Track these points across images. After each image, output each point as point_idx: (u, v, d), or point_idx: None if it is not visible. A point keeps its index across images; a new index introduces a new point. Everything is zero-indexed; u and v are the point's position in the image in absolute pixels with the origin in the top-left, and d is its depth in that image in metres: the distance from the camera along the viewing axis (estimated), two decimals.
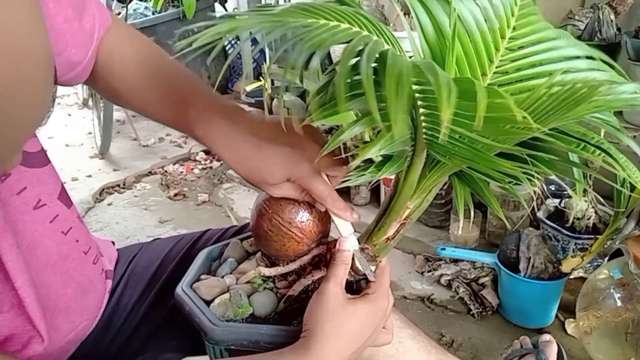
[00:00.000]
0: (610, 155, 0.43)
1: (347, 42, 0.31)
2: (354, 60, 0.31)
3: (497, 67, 0.47)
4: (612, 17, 1.64)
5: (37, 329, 0.57)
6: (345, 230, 0.58)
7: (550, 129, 0.41)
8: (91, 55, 0.64)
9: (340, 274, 0.55)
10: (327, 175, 0.57)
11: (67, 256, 0.62)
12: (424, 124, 0.36)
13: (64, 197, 0.63)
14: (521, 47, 0.48)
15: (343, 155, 0.52)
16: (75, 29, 0.61)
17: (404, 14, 0.52)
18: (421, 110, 0.34)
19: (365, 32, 0.35)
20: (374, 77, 0.30)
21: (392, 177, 0.53)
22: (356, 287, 0.60)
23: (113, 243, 0.84)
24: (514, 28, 0.47)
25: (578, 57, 0.48)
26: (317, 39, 0.30)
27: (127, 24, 0.73)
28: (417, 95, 0.32)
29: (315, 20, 0.32)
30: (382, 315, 0.56)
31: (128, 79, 0.65)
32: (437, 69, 0.27)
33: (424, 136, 0.39)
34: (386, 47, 0.31)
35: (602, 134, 0.44)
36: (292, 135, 0.55)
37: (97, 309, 0.71)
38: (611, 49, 1.62)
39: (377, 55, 0.30)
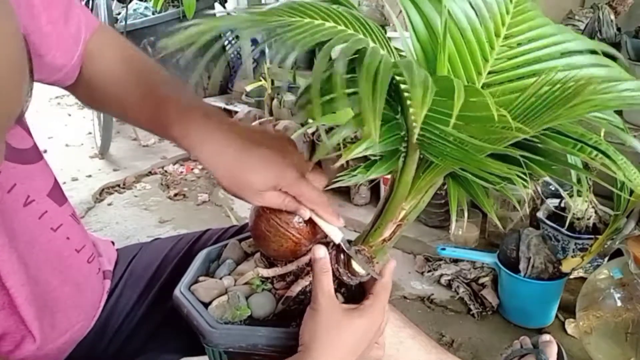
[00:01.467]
0: (609, 157, 0.42)
1: (327, 41, 0.30)
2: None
3: (492, 66, 0.46)
4: (612, 17, 1.63)
5: (29, 328, 0.57)
6: (335, 235, 0.57)
7: (546, 129, 0.40)
8: (77, 59, 0.63)
9: (324, 283, 0.53)
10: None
11: (60, 253, 0.62)
12: (414, 124, 0.36)
13: (56, 195, 0.63)
14: (518, 45, 0.47)
15: (338, 158, 0.51)
16: (59, 30, 0.60)
17: (391, 13, 0.52)
18: (411, 109, 0.34)
19: (350, 31, 0.34)
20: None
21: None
22: (355, 288, 0.60)
23: (113, 243, 0.84)
24: (509, 26, 0.47)
25: (579, 52, 0.47)
26: (295, 39, 0.29)
27: (110, 28, 0.72)
28: (406, 94, 0.32)
29: (299, 19, 0.31)
30: (377, 330, 0.56)
31: (109, 79, 0.64)
32: (415, 67, 0.26)
33: (415, 136, 0.39)
34: (371, 45, 0.31)
35: (602, 134, 0.43)
36: (275, 140, 0.55)
37: (94, 308, 0.70)
38: None
39: (357, 53, 0.29)
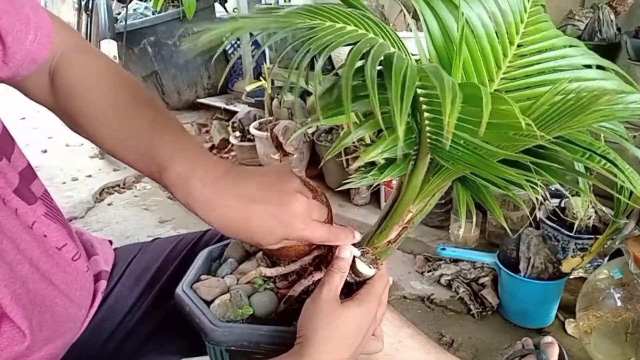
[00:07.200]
0: (616, 166, 0.42)
1: (352, 45, 0.31)
2: (359, 63, 0.31)
3: (504, 73, 0.47)
4: (612, 17, 1.64)
5: (20, 327, 0.56)
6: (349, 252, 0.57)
7: (555, 137, 0.40)
8: (20, 56, 0.58)
9: (336, 281, 0.54)
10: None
11: (42, 252, 0.62)
12: (428, 128, 0.36)
13: (24, 194, 0.61)
14: (530, 54, 0.48)
15: (343, 158, 0.52)
16: None
17: (406, 13, 0.52)
18: (425, 114, 0.34)
19: (371, 35, 0.35)
20: (378, 79, 0.30)
21: (394, 179, 0.53)
22: (356, 288, 0.60)
23: (111, 242, 0.83)
24: (522, 34, 0.47)
25: (588, 66, 0.48)
26: (323, 41, 0.29)
27: (86, 44, 0.67)
28: (421, 99, 0.32)
29: (321, 22, 0.32)
30: (372, 319, 0.56)
31: (96, 118, 0.59)
32: (443, 73, 0.26)
33: (428, 140, 0.39)
34: (392, 49, 0.31)
35: (602, 140, 0.44)
36: (280, 192, 0.54)
37: (84, 309, 0.70)
38: (611, 49, 1.62)
39: (382, 58, 0.30)
